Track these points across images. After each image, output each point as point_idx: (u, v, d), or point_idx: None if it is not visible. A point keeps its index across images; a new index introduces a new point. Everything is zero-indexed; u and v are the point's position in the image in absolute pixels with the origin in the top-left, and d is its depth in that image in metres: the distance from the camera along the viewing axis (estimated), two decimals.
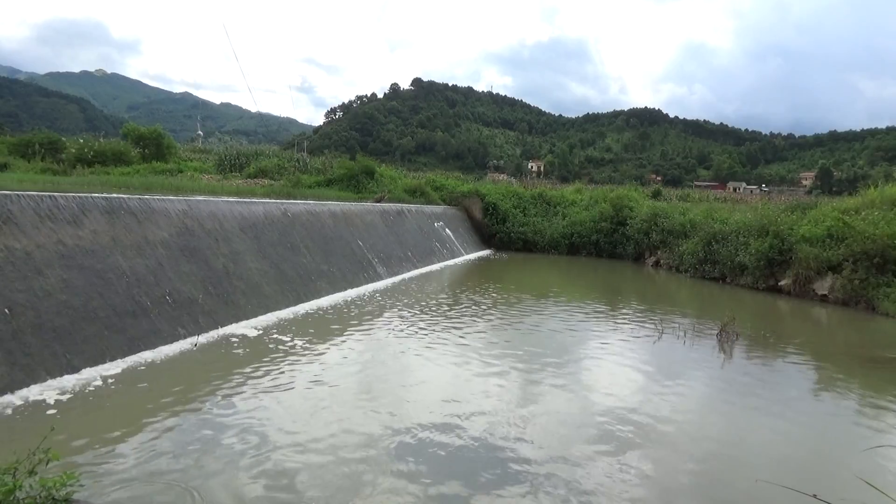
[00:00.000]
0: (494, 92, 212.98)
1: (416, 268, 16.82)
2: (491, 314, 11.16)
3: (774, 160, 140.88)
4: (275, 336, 8.45)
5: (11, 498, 2.47)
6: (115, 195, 8.65)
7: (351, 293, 12.30)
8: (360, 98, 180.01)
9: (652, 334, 9.93)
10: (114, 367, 6.48)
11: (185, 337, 7.74)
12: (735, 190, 71.80)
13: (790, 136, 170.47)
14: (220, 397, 6.01)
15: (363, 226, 15.62)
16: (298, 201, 14.34)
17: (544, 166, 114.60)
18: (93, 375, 6.17)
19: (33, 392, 5.59)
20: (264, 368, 6.98)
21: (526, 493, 4.38)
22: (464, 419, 5.73)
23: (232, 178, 23.38)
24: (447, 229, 22.03)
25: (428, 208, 22.18)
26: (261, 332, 8.62)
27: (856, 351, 10.22)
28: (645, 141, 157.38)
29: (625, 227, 23.18)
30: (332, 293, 11.85)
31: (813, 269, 14.52)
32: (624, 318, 11.34)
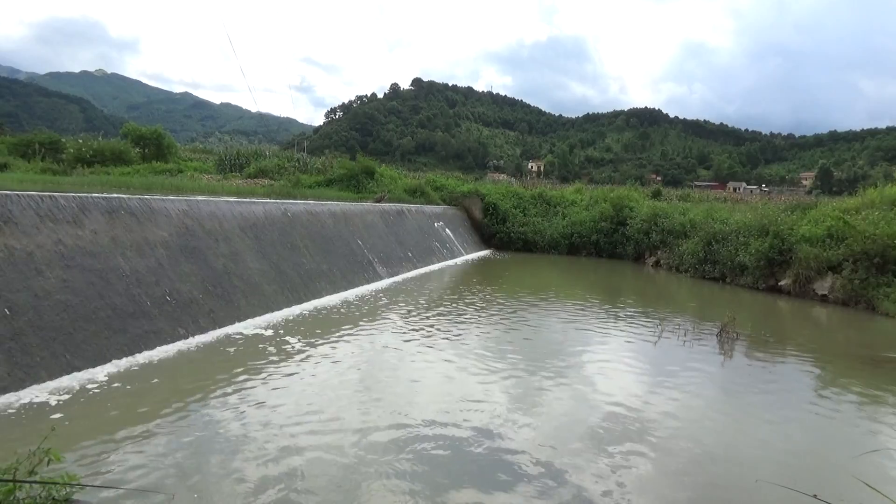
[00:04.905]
0: (494, 92, 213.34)
1: (416, 268, 16.82)
2: (491, 314, 11.16)
3: (774, 160, 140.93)
4: (275, 336, 8.45)
5: (11, 498, 2.47)
6: (115, 195, 8.65)
7: (351, 293, 12.30)
8: (359, 98, 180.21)
9: (652, 334, 9.93)
10: (114, 367, 6.48)
11: (185, 337, 7.75)
12: (735, 190, 71.78)
13: (790, 136, 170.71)
14: (220, 397, 6.01)
15: (363, 226, 15.62)
16: (298, 201, 14.34)
17: (544, 166, 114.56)
18: (93, 375, 6.18)
19: (33, 392, 5.59)
20: (264, 368, 6.98)
21: (525, 495, 4.38)
22: (463, 420, 5.73)
23: (232, 178, 23.38)
24: (447, 229, 22.02)
25: (428, 208, 22.18)
26: (261, 332, 8.62)
27: (856, 351, 10.22)
28: (645, 141, 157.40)
29: (625, 227, 23.17)
30: (332, 293, 11.84)
31: (813, 269, 14.52)
32: (624, 319, 11.34)
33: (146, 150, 29.16)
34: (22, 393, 5.52)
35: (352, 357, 7.89)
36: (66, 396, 5.64)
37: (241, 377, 6.63)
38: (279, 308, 9.97)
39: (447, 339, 9.05)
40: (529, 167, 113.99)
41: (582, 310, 12.12)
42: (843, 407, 6.92)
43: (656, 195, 31.00)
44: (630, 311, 12.20)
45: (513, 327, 10.19)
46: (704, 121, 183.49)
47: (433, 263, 18.30)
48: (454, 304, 11.93)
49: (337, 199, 18.37)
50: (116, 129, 53.79)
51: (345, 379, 6.91)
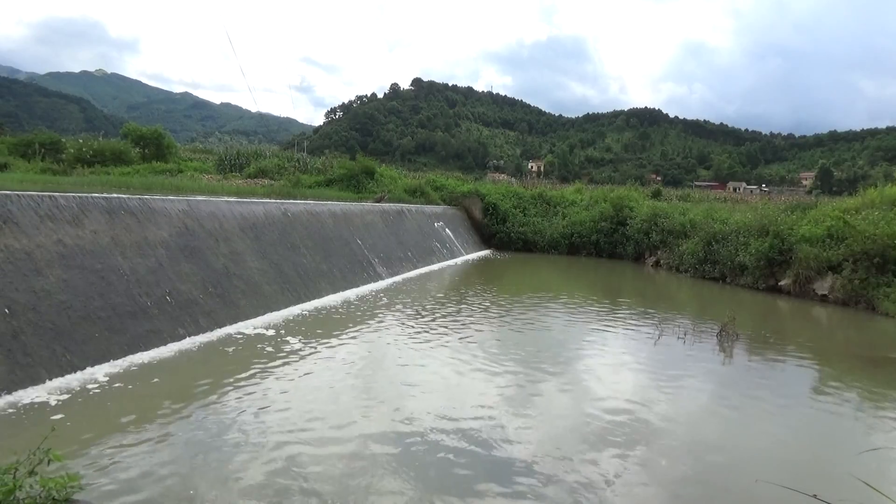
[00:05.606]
0: (494, 92, 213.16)
1: (416, 268, 16.82)
2: (491, 314, 11.16)
3: (774, 160, 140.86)
4: (276, 336, 8.45)
5: (11, 498, 2.47)
6: (115, 195, 8.65)
7: (351, 293, 12.30)
8: (359, 98, 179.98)
9: (652, 334, 9.93)
10: (114, 368, 6.48)
11: (185, 337, 7.75)
12: (735, 190, 71.77)
13: (790, 136, 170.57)
14: (220, 398, 6.01)
15: (363, 226, 15.62)
16: (298, 201, 14.34)
17: (544, 166, 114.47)
18: (93, 375, 6.18)
19: (33, 392, 5.59)
20: (264, 369, 6.98)
21: (525, 495, 4.38)
22: (463, 420, 5.72)
23: (232, 178, 23.37)
24: (447, 229, 22.02)
25: (428, 208, 22.18)
26: (261, 331, 8.62)
27: (856, 351, 10.22)
28: (645, 141, 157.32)
29: (625, 227, 23.17)
30: (333, 293, 11.85)
31: (813, 269, 14.52)
32: (624, 318, 11.34)
33: (146, 150, 29.15)
34: (22, 393, 5.52)
35: (353, 357, 7.89)
36: (66, 396, 5.64)
37: (242, 377, 6.63)
38: (279, 308, 9.97)
39: (448, 339, 9.04)
40: (529, 167, 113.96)
41: (582, 310, 12.12)
42: (843, 407, 6.92)
43: (656, 195, 31.00)
44: (630, 311, 12.20)
45: (513, 327, 10.19)
46: (704, 121, 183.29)
47: (433, 263, 18.31)
48: (455, 305, 11.93)
49: (337, 199, 18.38)
50: (116, 129, 53.84)
51: (346, 380, 6.91)
